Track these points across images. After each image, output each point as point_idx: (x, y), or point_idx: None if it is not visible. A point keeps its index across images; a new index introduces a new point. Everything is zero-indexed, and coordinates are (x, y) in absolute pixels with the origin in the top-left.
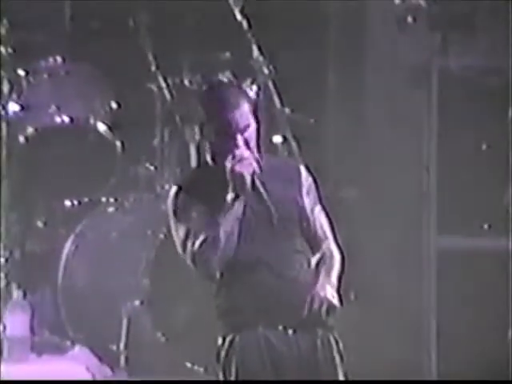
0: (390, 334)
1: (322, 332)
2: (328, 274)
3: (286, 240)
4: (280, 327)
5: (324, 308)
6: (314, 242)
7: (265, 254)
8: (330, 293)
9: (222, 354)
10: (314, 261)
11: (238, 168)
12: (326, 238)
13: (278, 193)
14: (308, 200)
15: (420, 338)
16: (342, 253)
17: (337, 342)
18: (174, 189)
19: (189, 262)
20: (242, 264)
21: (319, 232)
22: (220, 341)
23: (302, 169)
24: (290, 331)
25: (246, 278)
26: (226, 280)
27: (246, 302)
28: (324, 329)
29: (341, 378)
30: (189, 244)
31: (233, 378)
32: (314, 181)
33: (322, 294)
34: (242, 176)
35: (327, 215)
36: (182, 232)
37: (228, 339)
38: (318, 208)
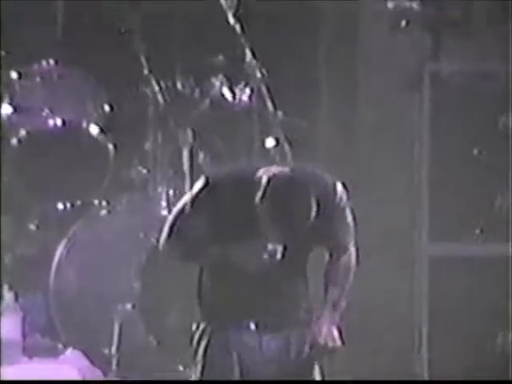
0: (381, 340)
1: (295, 329)
2: (335, 306)
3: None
4: (252, 325)
5: (319, 352)
6: (334, 250)
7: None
8: (330, 337)
9: (195, 340)
10: (328, 266)
11: None
12: (348, 249)
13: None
14: (337, 219)
15: (411, 345)
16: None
17: (314, 341)
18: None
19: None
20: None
21: (342, 244)
22: (194, 326)
23: (338, 186)
24: (263, 328)
25: (228, 271)
26: (209, 275)
27: (223, 296)
28: (298, 325)
29: (317, 376)
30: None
31: (199, 368)
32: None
33: (323, 337)
34: None
35: (355, 225)
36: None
37: (201, 327)
38: (345, 223)
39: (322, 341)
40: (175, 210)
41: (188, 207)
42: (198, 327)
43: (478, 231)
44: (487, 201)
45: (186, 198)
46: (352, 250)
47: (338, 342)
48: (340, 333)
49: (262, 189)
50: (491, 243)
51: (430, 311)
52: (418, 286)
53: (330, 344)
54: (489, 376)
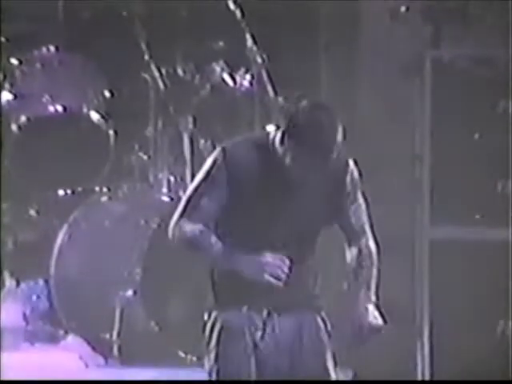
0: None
1: (307, 314)
2: (368, 286)
3: (303, 235)
4: (265, 310)
5: (368, 332)
6: (351, 237)
7: (273, 245)
8: (372, 315)
9: (207, 329)
10: (349, 256)
11: None
12: (364, 232)
13: (320, 189)
14: (349, 198)
15: (413, 329)
16: (378, 248)
17: (325, 323)
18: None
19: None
20: (247, 248)
21: (356, 228)
22: (206, 315)
23: (350, 163)
24: (275, 314)
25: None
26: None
27: (234, 281)
28: (310, 310)
29: (329, 360)
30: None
31: (213, 356)
32: (360, 174)
33: (364, 316)
34: None
35: (367, 208)
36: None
37: (213, 315)
38: (357, 203)
39: (367, 321)
40: (191, 187)
41: (204, 182)
42: (209, 315)
43: (478, 215)
44: (488, 185)
45: (201, 174)
46: (368, 232)
47: (381, 321)
48: (380, 312)
49: (284, 126)
50: (492, 227)
51: (430, 295)
52: (419, 270)
53: (374, 323)
54: (489, 359)
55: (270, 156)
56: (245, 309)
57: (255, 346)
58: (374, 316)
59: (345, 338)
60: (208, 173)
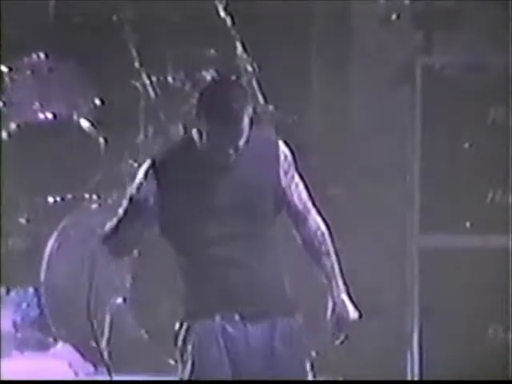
0: (372, 332)
1: (280, 319)
2: (333, 274)
3: (256, 228)
4: (237, 317)
5: (346, 324)
6: (297, 218)
7: (231, 242)
8: (349, 307)
9: (180, 340)
10: (300, 240)
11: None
12: (309, 211)
13: (255, 175)
14: (286, 178)
15: (402, 336)
16: (326, 224)
17: (299, 327)
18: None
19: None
20: (204, 250)
21: (300, 207)
22: (177, 326)
23: (280, 144)
24: (248, 321)
25: (207, 264)
26: (186, 264)
27: (204, 290)
28: (283, 314)
29: (305, 364)
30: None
31: (189, 366)
32: (292, 153)
33: (340, 308)
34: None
35: (306, 187)
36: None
37: (185, 326)
38: (294, 183)
39: (345, 312)
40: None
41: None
42: (181, 326)
43: (468, 224)
44: (478, 193)
45: (132, 188)
46: (313, 210)
47: (356, 314)
48: (353, 302)
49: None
50: (482, 236)
51: (420, 302)
52: (409, 278)
53: (350, 316)
54: (479, 365)
55: (193, 147)
56: (218, 318)
57: (229, 353)
58: (349, 307)
59: (325, 335)
60: (138, 187)
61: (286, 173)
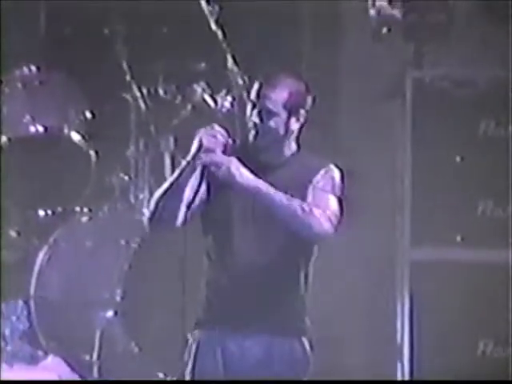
0: (364, 346)
1: (283, 337)
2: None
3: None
4: (238, 331)
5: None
6: None
7: (243, 255)
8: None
9: (187, 349)
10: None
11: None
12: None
13: (295, 192)
14: (313, 185)
15: (393, 349)
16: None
17: (303, 348)
18: None
19: None
20: (218, 258)
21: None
22: (189, 336)
23: (329, 166)
24: (248, 336)
25: (215, 274)
26: (213, 270)
27: (208, 301)
28: (287, 334)
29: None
30: None
31: (189, 374)
32: (342, 178)
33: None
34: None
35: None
36: None
37: (192, 336)
38: (319, 190)
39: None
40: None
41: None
42: (191, 336)
43: (459, 237)
44: (469, 207)
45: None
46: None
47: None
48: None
49: None
50: (472, 249)
51: (411, 315)
52: (400, 291)
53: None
54: (469, 379)
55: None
56: (217, 330)
57: (225, 367)
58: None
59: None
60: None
61: (317, 181)
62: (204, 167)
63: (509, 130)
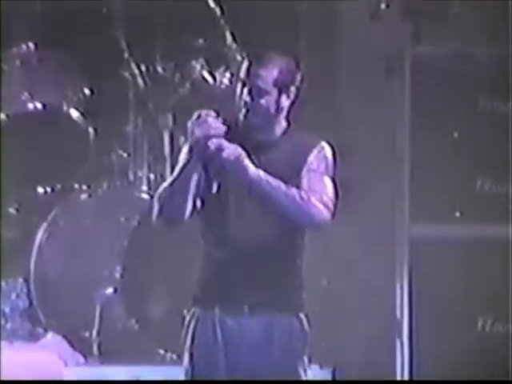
0: (363, 322)
1: (281, 314)
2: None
3: (265, 218)
4: (237, 310)
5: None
6: None
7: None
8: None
9: (185, 327)
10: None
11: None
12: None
13: (287, 169)
14: (307, 167)
15: (392, 326)
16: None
17: (301, 324)
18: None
19: None
20: (213, 237)
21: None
22: (186, 313)
23: (321, 144)
24: (247, 313)
25: (215, 251)
26: (210, 248)
27: (205, 280)
28: (285, 310)
29: (301, 363)
30: None
31: (188, 354)
32: (334, 160)
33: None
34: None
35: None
36: None
37: (190, 312)
38: (313, 173)
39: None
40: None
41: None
42: (188, 313)
43: (458, 213)
44: (468, 183)
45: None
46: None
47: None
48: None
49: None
50: (471, 225)
51: (410, 292)
52: (399, 267)
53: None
54: (469, 356)
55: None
56: (217, 308)
57: (225, 345)
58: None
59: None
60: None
61: (311, 162)
62: (203, 159)
63: (508, 105)
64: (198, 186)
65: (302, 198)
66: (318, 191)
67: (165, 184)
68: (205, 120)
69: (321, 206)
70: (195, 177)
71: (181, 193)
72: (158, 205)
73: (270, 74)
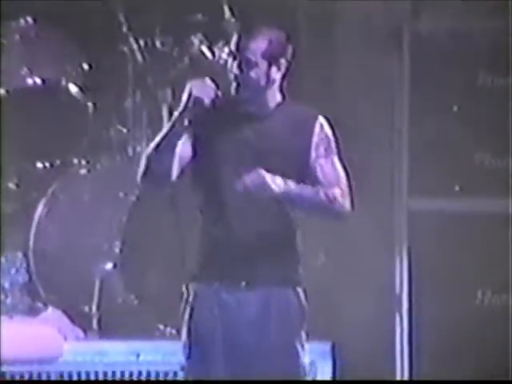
0: (361, 296)
1: (278, 289)
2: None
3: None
4: (235, 285)
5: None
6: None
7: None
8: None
9: (183, 302)
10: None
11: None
12: (331, 185)
13: (285, 140)
14: (316, 152)
15: (391, 300)
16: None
17: (299, 299)
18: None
19: None
20: (211, 212)
21: (324, 183)
22: (184, 288)
23: (319, 120)
24: (244, 288)
25: (213, 226)
26: (197, 228)
27: (206, 255)
28: (282, 284)
29: (298, 337)
30: None
31: (186, 329)
32: (333, 131)
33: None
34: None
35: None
36: None
37: (189, 287)
38: (323, 158)
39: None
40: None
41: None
42: (186, 289)
43: (457, 187)
44: (467, 157)
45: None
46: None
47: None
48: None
49: None
50: (470, 199)
51: (409, 266)
52: (398, 241)
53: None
54: (468, 329)
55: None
56: (215, 283)
57: (224, 319)
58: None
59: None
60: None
61: (317, 146)
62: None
63: (507, 80)
64: (185, 148)
65: (326, 195)
66: (334, 183)
67: (152, 144)
68: (202, 84)
69: (342, 200)
70: (185, 139)
71: (167, 152)
72: (144, 164)
73: (258, 46)
